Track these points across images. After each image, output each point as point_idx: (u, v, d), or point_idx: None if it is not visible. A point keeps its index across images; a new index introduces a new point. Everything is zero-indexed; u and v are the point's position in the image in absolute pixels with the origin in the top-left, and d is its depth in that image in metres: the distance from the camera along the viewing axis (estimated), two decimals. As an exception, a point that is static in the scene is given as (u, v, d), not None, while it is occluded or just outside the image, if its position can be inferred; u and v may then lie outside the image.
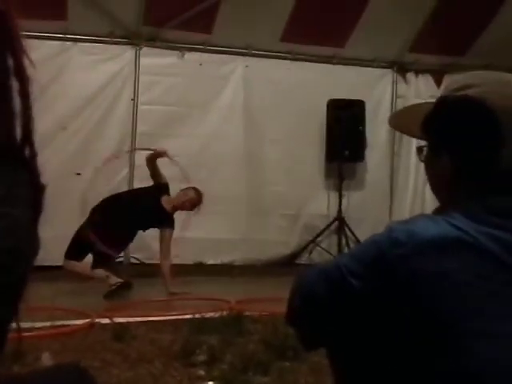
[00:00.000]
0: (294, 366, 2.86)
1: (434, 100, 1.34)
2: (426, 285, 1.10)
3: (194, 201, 5.16)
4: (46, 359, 2.24)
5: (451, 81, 1.30)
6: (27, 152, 0.85)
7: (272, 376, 2.76)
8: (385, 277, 1.13)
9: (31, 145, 0.86)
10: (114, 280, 4.78)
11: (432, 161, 1.29)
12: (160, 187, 5.19)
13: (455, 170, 1.22)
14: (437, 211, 1.25)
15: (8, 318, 0.80)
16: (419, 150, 1.34)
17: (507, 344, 1.06)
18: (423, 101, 6.15)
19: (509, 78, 1.21)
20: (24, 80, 0.85)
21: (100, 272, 4.90)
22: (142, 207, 5.08)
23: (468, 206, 1.14)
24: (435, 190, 1.33)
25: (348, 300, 1.19)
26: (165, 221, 5.11)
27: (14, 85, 0.86)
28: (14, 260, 0.78)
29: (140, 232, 5.27)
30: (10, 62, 0.85)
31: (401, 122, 1.48)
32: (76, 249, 5.00)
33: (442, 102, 1.28)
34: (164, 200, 5.14)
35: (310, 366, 2.75)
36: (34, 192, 0.85)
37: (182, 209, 5.19)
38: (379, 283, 1.14)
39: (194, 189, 5.20)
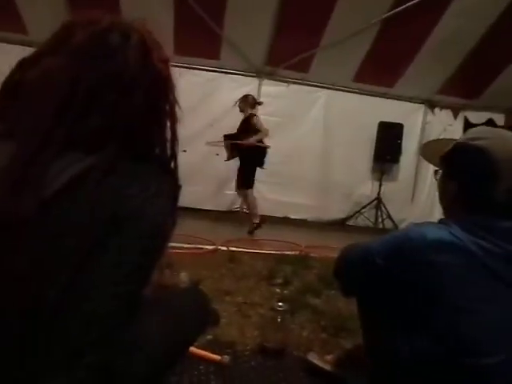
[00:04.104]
0: (336, 294, 2.74)
1: (450, 127, 1.23)
2: (427, 269, 1.05)
3: None
4: (184, 277, 2.28)
5: (468, 132, 1.18)
6: (172, 164, 0.86)
7: (322, 299, 2.71)
8: (401, 261, 1.09)
9: (175, 159, 0.86)
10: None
11: (443, 183, 1.21)
12: None
13: (459, 194, 1.13)
14: (441, 220, 1.16)
15: (162, 250, 0.81)
16: (436, 172, 1.26)
17: (481, 319, 0.99)
18: (443, 127, 5.73)
19: (509, 134, 1.10)
20: (174, 119, 0.85)
21: None
22: None
23: (464, 221, 1.06)
24: (442, 203, 1.24)
25: (373, 271, 1.16)
26: None
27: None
28: (159, 229, 0.79)
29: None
30: (167, 107, 0.84)
31: (426, 153, 1.37)
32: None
33: (459, 146, 1.17)
34: None
35: (346, 296, 2.68)
36: (174, 189, 0.85)
37: None
38: (396, 264, 1.10)
39: None
